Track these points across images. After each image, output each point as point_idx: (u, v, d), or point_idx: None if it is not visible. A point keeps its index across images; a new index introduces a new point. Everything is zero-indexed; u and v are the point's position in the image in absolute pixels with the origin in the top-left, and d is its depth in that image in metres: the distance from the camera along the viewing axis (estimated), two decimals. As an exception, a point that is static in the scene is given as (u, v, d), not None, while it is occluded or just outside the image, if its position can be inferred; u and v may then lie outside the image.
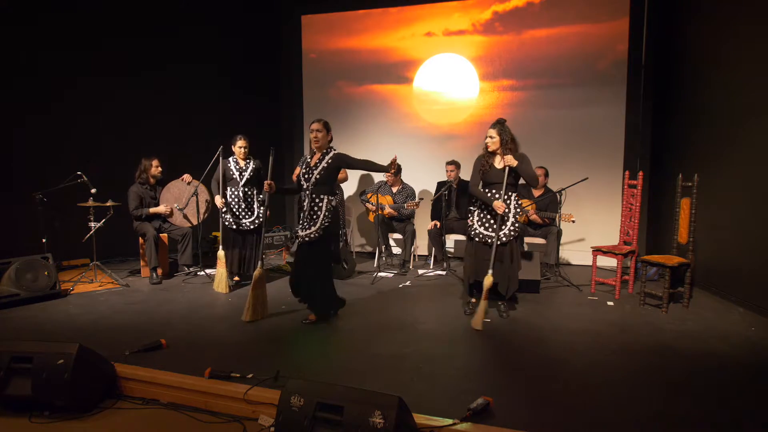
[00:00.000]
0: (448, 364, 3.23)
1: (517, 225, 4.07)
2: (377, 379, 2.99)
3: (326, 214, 3.89)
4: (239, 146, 5.18)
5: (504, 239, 4.04)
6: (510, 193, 4.04)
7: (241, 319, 4.04)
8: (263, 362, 3.18)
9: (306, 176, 3.95)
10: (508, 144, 3.97)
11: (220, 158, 5.20)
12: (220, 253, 5.03)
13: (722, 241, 4.81)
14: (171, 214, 5.55)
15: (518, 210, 4.09)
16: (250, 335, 3.77)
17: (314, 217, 3.90)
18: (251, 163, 5.23)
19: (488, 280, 3.91)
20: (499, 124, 4.02)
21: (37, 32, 5.72)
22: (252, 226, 5.22)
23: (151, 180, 5.55)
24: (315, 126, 3.93)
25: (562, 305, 4.63)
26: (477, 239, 4.13)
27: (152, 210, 5.47)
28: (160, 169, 5.58)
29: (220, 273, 5.01)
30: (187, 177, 5.61)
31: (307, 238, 3.93)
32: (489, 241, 4.04)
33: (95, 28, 6.15)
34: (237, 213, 5.17)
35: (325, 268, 4.07)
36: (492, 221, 4.07)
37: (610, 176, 6.29)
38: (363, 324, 4.05)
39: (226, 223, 5.18)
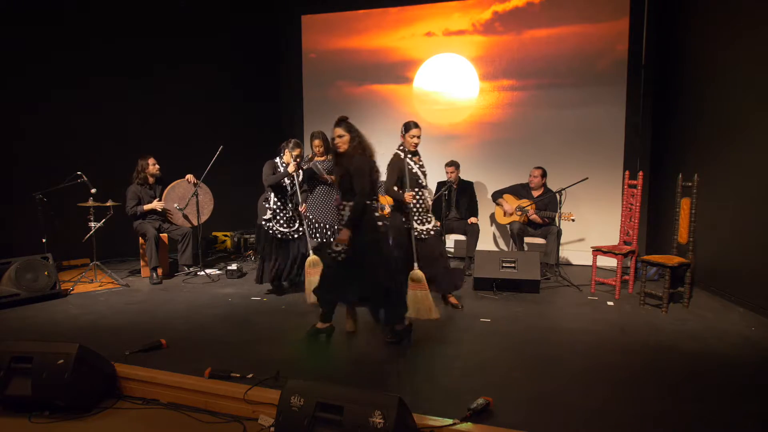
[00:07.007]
0: (448, 364, 3.23)
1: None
2: (377, 379, 2.99)
3: None
4: (296, 154, 4.72)
5: (426, 234, 4.26)
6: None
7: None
8: (263, 362, 3.18)
9: None
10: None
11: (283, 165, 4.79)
12: (312, 259, 4.34)
13: (722, 241, 4.81)
14: (166, 211, 5.49)
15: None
16: (250, 335, 3.77)
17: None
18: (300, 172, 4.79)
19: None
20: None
21: (36, 32, 5.71)
22: (295, 235, 4.81)
23: (150, 179, 5.54)
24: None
25: (562, 305, 4.63)
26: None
27: (146, 207, 5.42)
28: (157, 166, 5.56)
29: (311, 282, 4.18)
30: (191, 177, 5.60)
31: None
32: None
33: (95, 29, 6.14)
34: (284, 222, 4.77)
35: None
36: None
37: (610, 176, 6.28)
38: (363, 324, 4.04)
39: (270, 231, 4.74)
